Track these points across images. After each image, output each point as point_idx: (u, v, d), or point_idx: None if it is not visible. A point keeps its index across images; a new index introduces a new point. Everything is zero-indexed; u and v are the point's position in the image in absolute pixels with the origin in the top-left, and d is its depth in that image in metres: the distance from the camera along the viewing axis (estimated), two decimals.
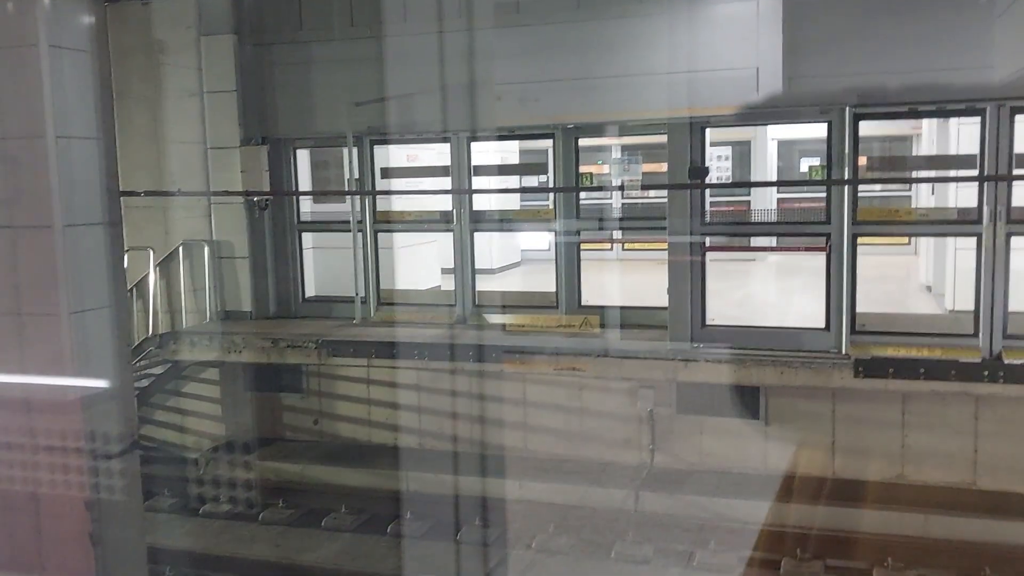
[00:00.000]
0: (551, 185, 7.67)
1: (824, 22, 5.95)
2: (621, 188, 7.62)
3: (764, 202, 10.92)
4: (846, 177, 6.08)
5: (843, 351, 6.03)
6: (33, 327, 4.97)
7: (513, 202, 8.82)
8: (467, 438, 7.14)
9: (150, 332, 7.35)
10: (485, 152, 8.59)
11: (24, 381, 4.91)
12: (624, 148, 10.91)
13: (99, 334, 5.07)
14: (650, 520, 6.16)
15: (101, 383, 5.03)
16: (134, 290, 7.29)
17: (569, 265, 7.24)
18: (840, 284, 6.10)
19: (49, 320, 4.96)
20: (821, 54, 5.96)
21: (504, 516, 6.26)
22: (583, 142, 7.38)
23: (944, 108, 6.12)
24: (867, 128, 6.57)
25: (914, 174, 8.55)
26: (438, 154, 8.11)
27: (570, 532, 6.01)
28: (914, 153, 10.78)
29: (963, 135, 6.84)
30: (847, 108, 5.91)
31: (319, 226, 8.22)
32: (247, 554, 5.97)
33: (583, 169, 7.53)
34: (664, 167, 6.65)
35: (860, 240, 6.17)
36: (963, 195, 6.70)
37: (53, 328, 4.97)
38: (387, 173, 7.82)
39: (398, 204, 7.98)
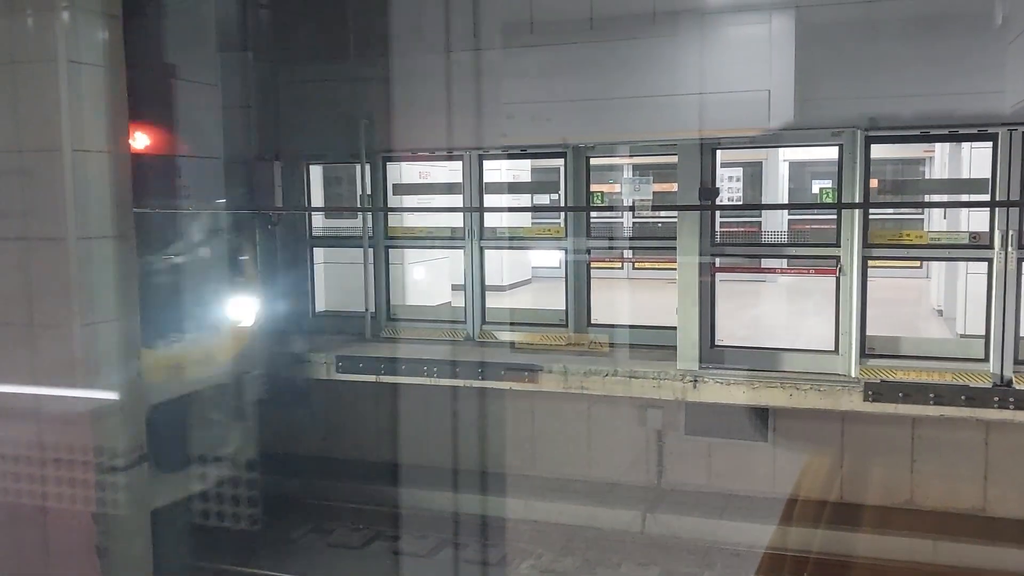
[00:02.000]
0: (562, 204, 7.67)
1: (837, 46, 5.95)
2: (632, 208, 7.62)
3: (775, 223, 10.88)
4: (857, 200, 6.07)
5: (853, 374, 6.00)
6: (44, 338, 5.00)
7: (524, 220, 8.82)
8: (470, 455, 7.12)
9: None
10: (496, 170, 8.60)
11: (34, 392, 4.93)
12: (635, 168, 10.90)
13: (109, 347, 5.10)
14: (656, 542, 6.13)
15: (110, 396, 5.05)
16: None
17: (578, 283, 7.22)
18: (850, 307, 6.08)
19: (60, 332, 4.99)
20: (833, 77, 5.97)
21: (507, 535, 6.26)
22: (595, 161, 7.39)
23: (956, 132, 6.10)
24: (879, 151, 6.55)
25: (925, 198, 8.52)
26: (450, 171, 8.14)
27: (575, 553, 5.99)
28: (926, 176, 10.73)
29: (975, 159, 6.82)
30: (859, 131, 5.91)
31: (331, 241, 8.24)
32: None
33: (594, 188, 7.53)
34: (676, 187, 6.65)
35: (871, 263, 6.15)
36: (974, 219, 6.67)
37: (64, 340, 5.00)
38: (398, 190, 7.86)
39: (409, 220, 8.01)
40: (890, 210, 10.86)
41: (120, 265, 5.11)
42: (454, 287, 8.76)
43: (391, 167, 7.78)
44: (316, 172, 8.24)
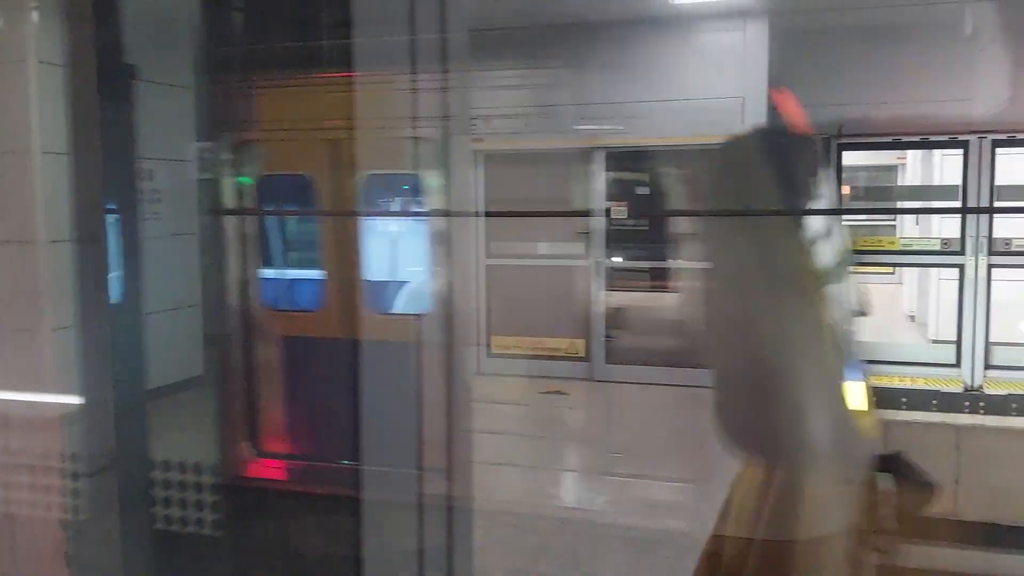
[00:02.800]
0: None
1: (809, 53, 6.01)
2: None
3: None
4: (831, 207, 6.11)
5: None
6: (14, 342, 4.95)
7: None
8: None
9: None
10: None
11: (2, 397, 4.89)
12: None
13: (80, 351, 5.05)
14: None
15: (80, 401, 5.00)
16: None
17: None
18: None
19: (30, 336, 4.95)
20: (805, 84, 6.00)
21: None
22: None
23: (927, 140, 6.18)
24: (851, 158, 6.62)
25: (899, 204, 8.60)
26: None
27: None
28: (899, 183, 10.85)
29: (946, 166, 6.90)
30: (830, 139, 5.97)
31: None
32: None
33: None
34: None
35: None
36: (946, 226, 6.75)
37: (34, 344, 4.95)
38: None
39: None
40: (863, 217, 10.96)
41: (92, 268, 5.06)
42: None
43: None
44: None
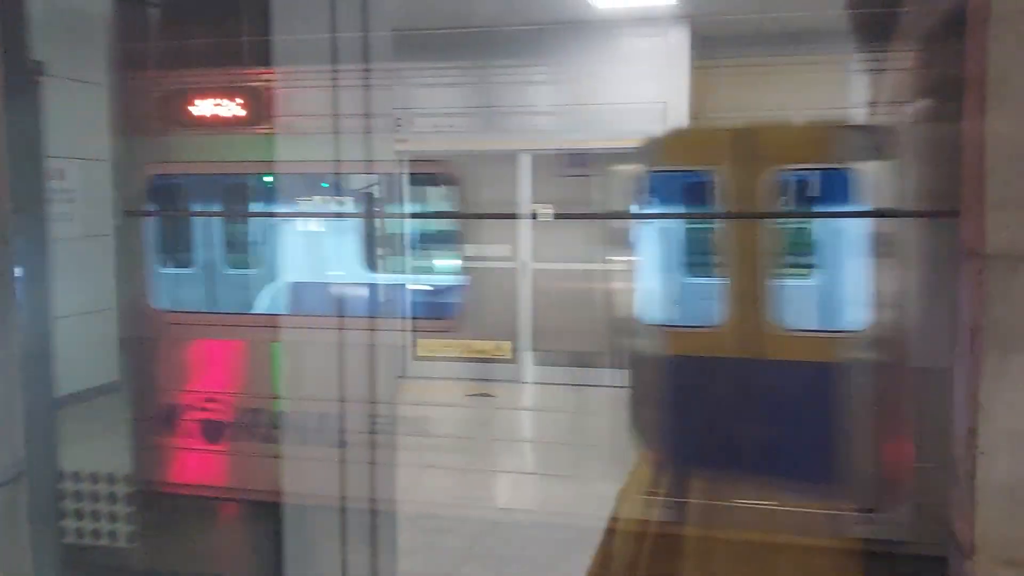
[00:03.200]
0: None
1: (727, 58, 6.13)
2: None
3: None
4: None
5: None
6: None
7: None
8: None
9: None
10: None
11: None
12: None
13: None
14: None
15: None
16: None
17: None
18: None
19: None
20: (724, 89, 6.15)
21: None
22: None
23: None
24: None
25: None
26: None
27: None
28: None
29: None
30: None
31: None
32: None
33: None
34: None
35: None
36: None
37: None
38: None
39: None
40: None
41: None
42: None
43: None
44: None
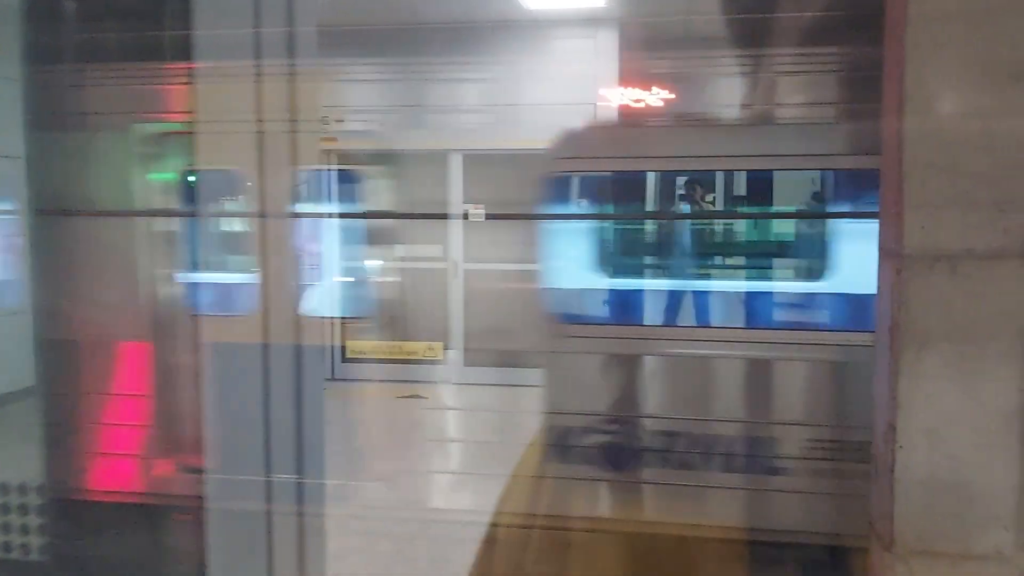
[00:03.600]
0: None
1: (656, 58, 6.20)
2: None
3: None
4: None
5: None
6: None
7: None
8: None
9: None
10: None
11: None
12: None
13: None
14: None
15: None
16: None
17: None
18: None
19: None
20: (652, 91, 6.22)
21: None
22: None
23: None
24: None
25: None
26: None
27: None
28: None
29: None
30: None
31: None
32: None
33: None
34: None
35: None
36: None
37: None
38: None
39: None
40: None
41: None
42: None
43: None
44: None
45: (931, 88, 2.40)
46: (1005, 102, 2.39)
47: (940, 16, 2.37)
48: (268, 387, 4.85)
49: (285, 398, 4.89)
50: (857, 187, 5.17)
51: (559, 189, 6.41)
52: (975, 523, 2.47)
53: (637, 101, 5.99)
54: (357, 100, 6.55)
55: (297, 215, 5.38)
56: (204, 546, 4.84)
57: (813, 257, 6.10)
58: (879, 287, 2.67)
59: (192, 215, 6.12)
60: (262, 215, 5.09)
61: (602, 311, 6.87)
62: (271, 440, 4.87)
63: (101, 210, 5.94)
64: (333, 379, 6.64)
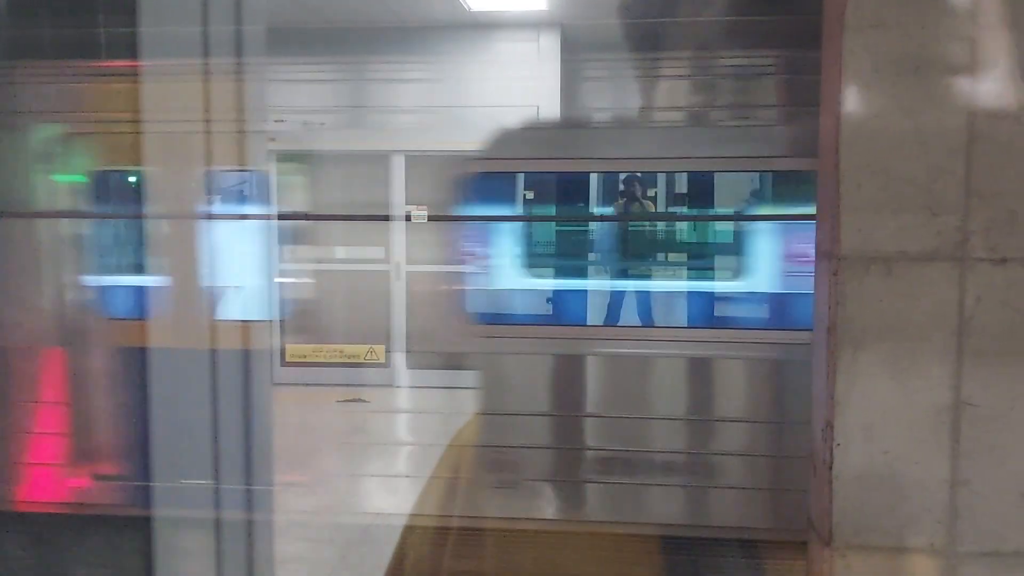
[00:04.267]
0: None
1: (596, 62, 6.26)
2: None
3: None
4: None
5: None
6: None
7: None
8: None
9: None
10: None
11: None
12: None
13: None
14: None
15: None
16: None
17: None
18: None
19: None
20: (593, 92, 6.26)
21: None
22: None
23: None
24: None
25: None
26: None
27: None
28: None
29: None
30: None
31: None
32: None
33: None
34: None
35: None
36: None
37: None
38: None
39: None
40: None
41: None
42: None
43: None
44: None
45: (866, 93, 2.47)
46: (936, 107, 2.46)
47: (876, 22, 2.44)
48: (181, 393, 4.76)
49: (201, 403, 4.81)
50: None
51: (494, 189, 6.43)
52: (909, 517, 2.54)
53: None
54: (297, 101, 6.46)
55: (213, 216, 5.30)
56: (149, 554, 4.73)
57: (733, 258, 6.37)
58: (816, 287, 2.72)
59: (101, 216, 5.98)
60: (170, 216, 5.00)
61: (521, 311, 6.92)
62: (189, 445, 4.78)
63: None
64: (272, 383, 6.52)
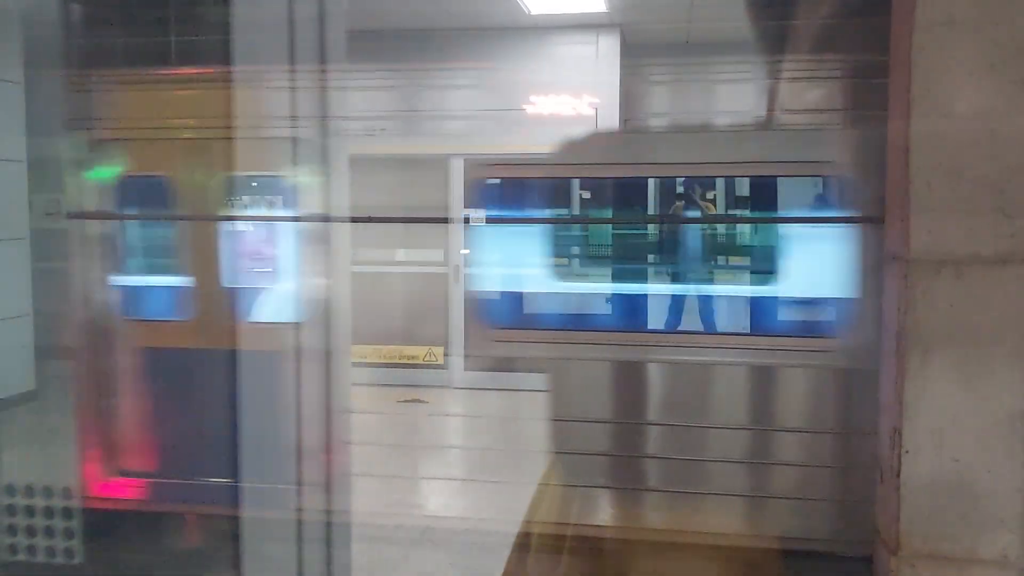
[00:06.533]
0: None
1: (657, 64, 6.23)
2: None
3: None
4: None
5: None
6: None
7: None
8: None
9: None
10: None
11: None
12: None
13: None
14: None
15: None
16: None
17: None
18: None
19: None
20: (654, 95, 6.24)
21: None
22: None
23: None
24: None
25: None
26: None
27: None
28: None
29: None
30: None
31: None
32: None
33: None
34: None
35: None
36: None
37: None
38: None
39: None
40: None
41: None
42: None
43: None
44: None
45: (937, 93, 2.42)
46: (1010, 106, 2.40)
47: (946, 21, 2.39)
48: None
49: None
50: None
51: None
52: (981, 526, 2.48)
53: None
54: (361, 105, 6.55)
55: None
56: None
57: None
58: (884, 292, 2.67)
59: (132, 219, 6.11)
60: (197, 219, 5.08)
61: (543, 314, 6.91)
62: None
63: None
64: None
